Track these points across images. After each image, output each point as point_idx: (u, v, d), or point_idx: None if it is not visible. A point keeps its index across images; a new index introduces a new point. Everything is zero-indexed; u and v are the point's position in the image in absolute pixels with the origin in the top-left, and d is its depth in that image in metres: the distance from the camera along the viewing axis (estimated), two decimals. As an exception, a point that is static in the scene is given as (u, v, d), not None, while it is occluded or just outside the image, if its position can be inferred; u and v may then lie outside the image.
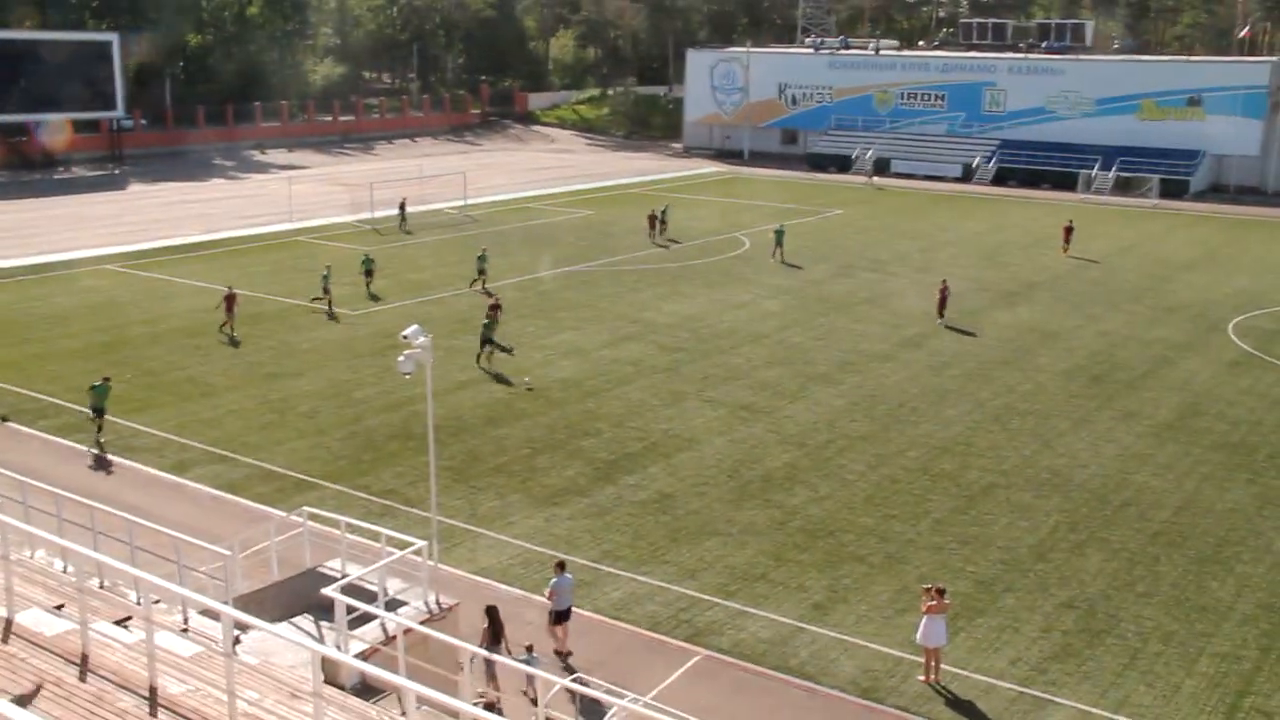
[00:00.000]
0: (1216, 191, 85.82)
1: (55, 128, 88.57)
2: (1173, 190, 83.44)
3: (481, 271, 49.42)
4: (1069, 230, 60.13)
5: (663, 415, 34.09)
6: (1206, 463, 31.06)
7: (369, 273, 48.58)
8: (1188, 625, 22.55)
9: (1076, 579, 24.36)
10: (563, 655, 21.18)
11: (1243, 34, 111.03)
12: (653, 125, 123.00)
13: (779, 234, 57.15)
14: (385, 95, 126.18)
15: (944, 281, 47.15)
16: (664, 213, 63.43)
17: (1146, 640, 21.97)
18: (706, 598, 23.38)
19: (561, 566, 21.50)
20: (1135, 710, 19.76)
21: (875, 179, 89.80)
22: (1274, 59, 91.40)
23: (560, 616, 21.29)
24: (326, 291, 45.21)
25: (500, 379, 37.10)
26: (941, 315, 45.36)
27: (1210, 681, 20.65)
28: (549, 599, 21.29)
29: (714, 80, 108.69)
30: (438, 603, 18.21)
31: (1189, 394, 36.96)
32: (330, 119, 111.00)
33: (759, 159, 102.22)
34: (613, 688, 18.41)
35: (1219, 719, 19.59)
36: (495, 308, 40.78)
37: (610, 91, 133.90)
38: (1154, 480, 29.75)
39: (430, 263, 55.35)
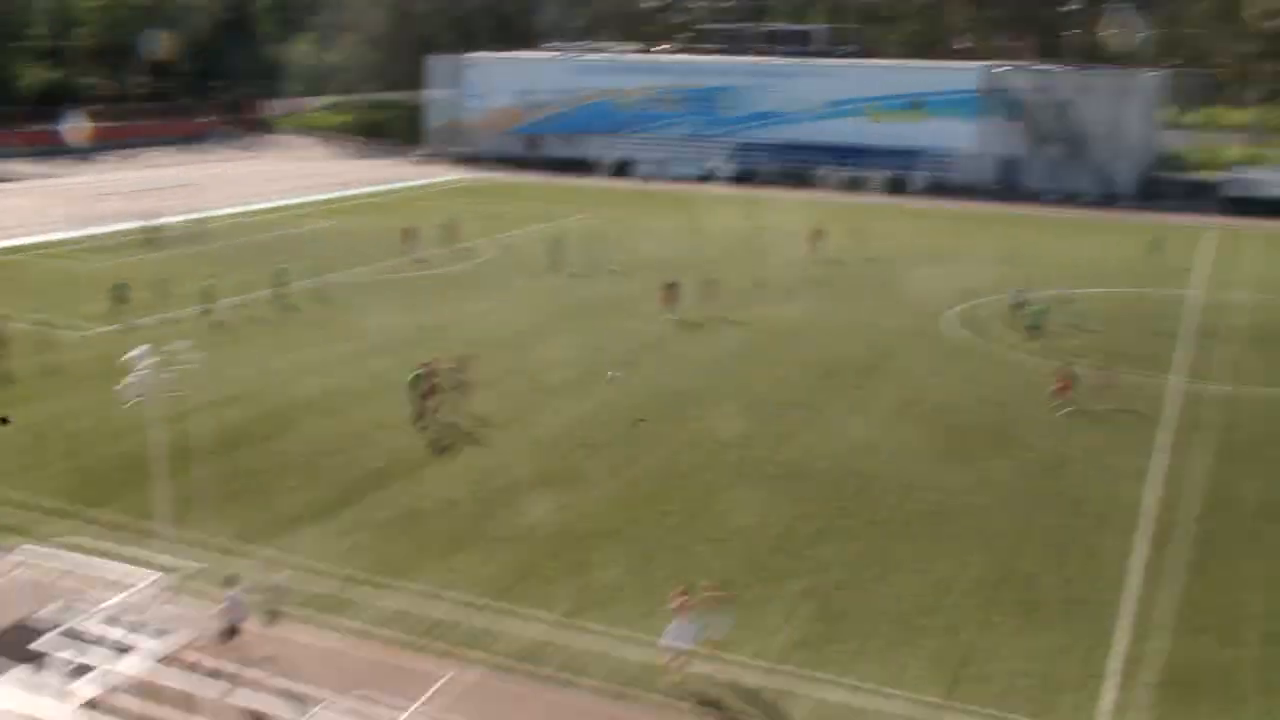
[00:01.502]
0: (936, 188, 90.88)
1: None
2: (897, 187, 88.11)
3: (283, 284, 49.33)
4: (818, 233, 62.17)
5: (408, 430, 33.70)
6: (930, 447, 32.95)
7: (122, 299, 45.83)
8: (915, 604, 23.88)
9: (816, 568, 25.44)
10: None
11: (961, 45, 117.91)
12: (396, 132, 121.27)
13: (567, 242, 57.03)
14: (111, 102, 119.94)
15: (675, 280, 48.51)
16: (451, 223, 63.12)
17: (878, 622, 23.16)
18: (458, 612, 23.30)
19: (230, 582, 21.19)
20: (871, 689, 20.81)
21: (647, 182, 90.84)
22: (983, 64, 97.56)
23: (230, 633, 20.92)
24: None
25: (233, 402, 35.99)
26: (672, 310, 46.66)
27: (935, 656, 21.93)
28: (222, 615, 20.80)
29: (458, 86, 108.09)
30: (173, 641, 17.59)
31: (914, 382, 39.11)
32: (46, 127, 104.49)
33: (504, 164, 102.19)
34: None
35: (942, 690, 20.85)
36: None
37: (351, 98, 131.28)
38: (884, 466, 31.34)
39: (160, 278, 52.90)
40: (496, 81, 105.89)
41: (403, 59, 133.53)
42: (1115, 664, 21.68)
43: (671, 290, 47.70)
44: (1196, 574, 25.32)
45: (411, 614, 23.03)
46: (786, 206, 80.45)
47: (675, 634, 20.88)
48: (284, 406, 35.44)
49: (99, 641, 16.15)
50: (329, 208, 76.70)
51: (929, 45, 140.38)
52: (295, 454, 31.64)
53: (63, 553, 18.19)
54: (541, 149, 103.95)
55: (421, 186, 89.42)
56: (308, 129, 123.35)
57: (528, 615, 23.13)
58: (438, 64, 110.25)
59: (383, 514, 27.89)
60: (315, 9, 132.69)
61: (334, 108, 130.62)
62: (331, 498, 28.74)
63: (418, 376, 33.78)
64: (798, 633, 22.73)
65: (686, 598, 21.04)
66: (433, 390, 33.84)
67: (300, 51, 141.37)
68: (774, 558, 25.98)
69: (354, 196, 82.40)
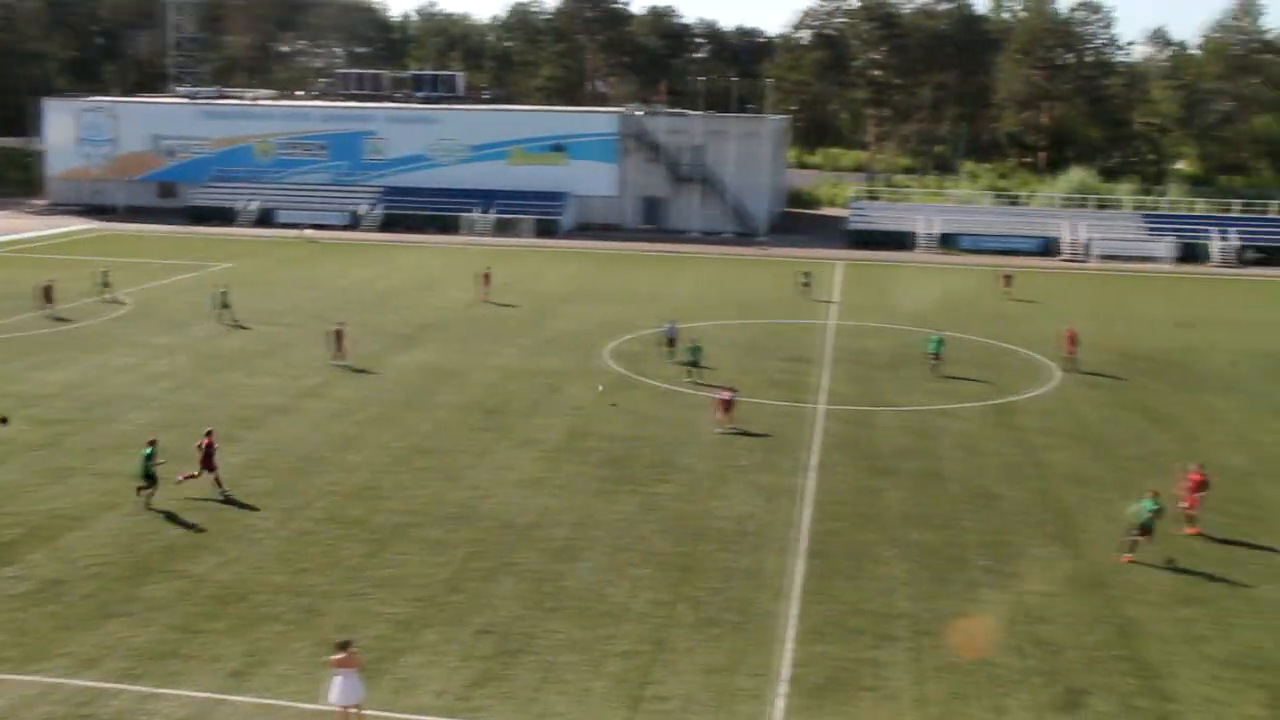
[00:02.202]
0: (583, 230, 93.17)
1: None
2: (546, 229, 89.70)
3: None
4: (486, 276, 62.13)
5: (44, 495, 31.11)
6: (596, 479, 33.52)
7: None
8: (592, 632, 24.13)
9: (490, 605, 25.26)
10: None
11: (600, 91, 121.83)
12: (10, 181, 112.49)
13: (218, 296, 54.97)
14: None
15: (339, 324, 47.38)
16: (105, 274, 59.29)
17: (558, 652, 23.23)
18: (110, 685, 21.58)
19: None
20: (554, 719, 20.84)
21: (309, 233, 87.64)
22: (620, 109, 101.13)
23: None
24: None
25: None
26: (339, 357, 45.56)
27: (616, 680, 22.23)
28: None
29: (79, 131, 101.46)
30: None
31: (575, 417, 39.73)
32: None
33: (135, 214, 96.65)
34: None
35: (625, 712, 21.13)
36: None
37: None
38: (552, 501, 31.60)
39: None
40: (124, 126, 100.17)
41: (14, 102, 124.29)
42: (785, 670, 22.68)
43: (338, 335, 46.42)
44: (850, 580, 26.94)
45: (58, 693, 21.13)
46: (435, 252, 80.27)
47: (337, 690, 19.96)
48: (-107, 480, 31.85)
49: None
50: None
51: (567, 91, 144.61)
52: (-91, 531, 28.46)
53: None
54: (177, 197, 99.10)
55: (45, 238, 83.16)
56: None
57: (196, 675, 21.72)
58: (55, 107, 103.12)
59: (22, 586, 25.51)
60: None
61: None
62: (-44, 576, 26.03)
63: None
64: (477, 670, 22.45)
65: (347, 652, 20.17)
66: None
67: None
68: (451, 597, 25.59)
69: (-36, 251, 75.60)
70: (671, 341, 48.37)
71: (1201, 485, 30.51)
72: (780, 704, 21.53)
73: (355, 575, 26.70)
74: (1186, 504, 30.41)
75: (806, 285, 64.40)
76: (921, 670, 22.85)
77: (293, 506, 30.82)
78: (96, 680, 21.77)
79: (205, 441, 31.64)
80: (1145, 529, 28.14)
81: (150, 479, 30.16)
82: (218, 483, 31.49)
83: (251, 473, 33.36)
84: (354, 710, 20.04)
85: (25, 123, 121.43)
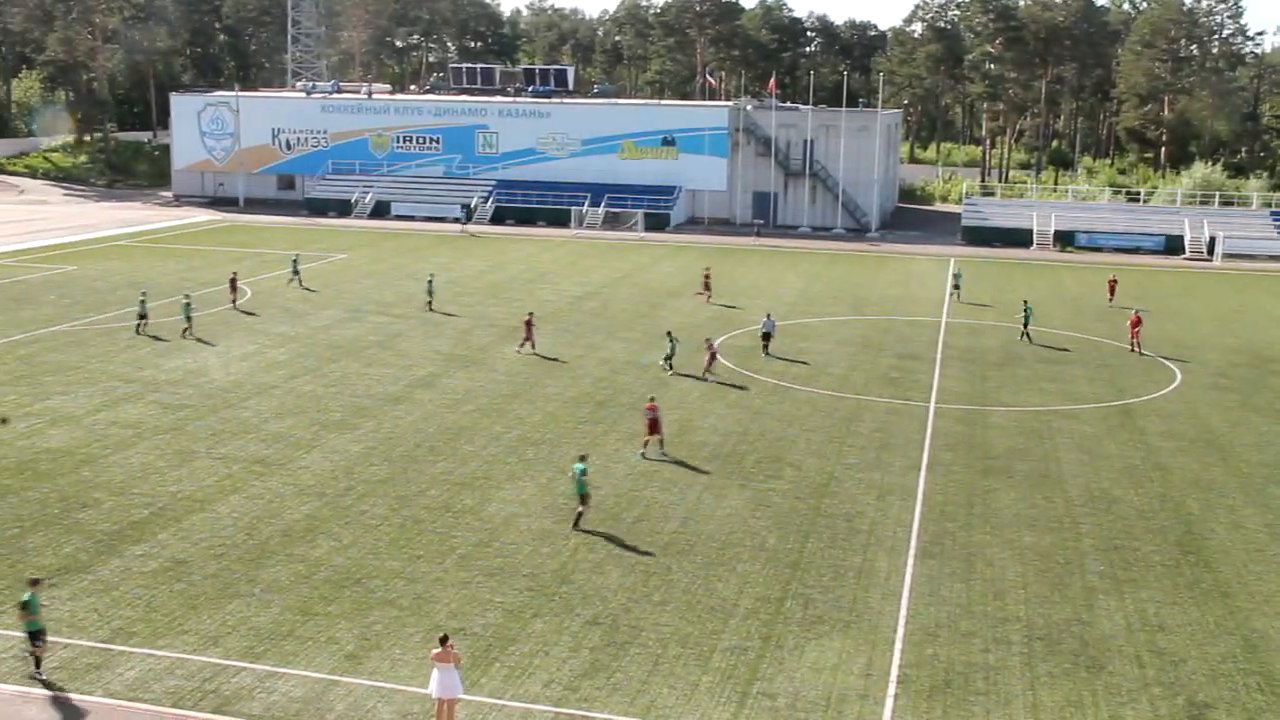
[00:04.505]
0: (693, 224, 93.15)
1: None
2: (656, 223, 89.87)
3: (143, 316, 49.74)
4: (708, 278, 60.87)
5: (170, 478, 32.12)
6: (704, 473, 33.52)
7: None
8: (700, 626, 24.15)
9: (599, 597, 25.43)
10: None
11: (702, 81, 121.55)
12: (138, 173, 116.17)
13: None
14: None
15: (529, 314, 49.08)
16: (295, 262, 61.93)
17: (666, 645, 23.30)
18: (232, 663, 22.22)
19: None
20: (661, 713, 20.87)
21: (469, 226, 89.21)
22: (731, 103, 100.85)
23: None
24: None
25: (-23, 455, 33.47)
26: (527, 345, 47.33)
27: (723, 674, 22.22)
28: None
29: (203, 126, 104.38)
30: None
31: (683, 411, 39.74)
32: None
33: (256, 206, 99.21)
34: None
35: (732, 708, 21.11)
36: None
37: (87, 138, 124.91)
38: (660, 495, 31.67)
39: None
40: (245, 121, 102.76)
41: (143, 97, 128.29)
42: (894, 670, 22.44)
43: (527, 325, 47.79)
44: (962, 581, 26.52)
45: (182, 670, 21.75)
46: (547, 244, 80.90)
47: (435, 683, 20.02)
48: (32, 458, 33.09)
49: None
50: (65, 253, 72.54)
51: (678, 85, 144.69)
52: (48, 506, 29.58)
53: None
54: (295, 190, 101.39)
55: (171, 228, 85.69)
56: (40, 170, 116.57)
57: (313, 655, 22.26)
58: (181, 103, 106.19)
59: (152, 564, 26.37)
60: (40, 46, 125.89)
61: (69, 148, 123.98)
62: (90, 549, 27.01)
63: None
64: (585, 661, 22.61)
65: (445, 647, 20.20)
66: None
67: (26, 89, 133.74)
68: (560, 587, 25.80)
69: (98, 240, 78.21)
70: (768, 337, 48.15)
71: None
72: (890, 705, 21.31)
73: (466, 563, 27.07)
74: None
75: (957, 288, 63.15)
76: (1035, 676, 22.43)
77: (406, 494, 31.35)
78: (219, 657, 22.42)
79: (649, 406, 34.84)
80: None
81: (585, 499, 29.30)
82: (660, 443, 34.80)
83: (367, 460, 33.99)
84: (449, 703, 20.03)
85: (152, 118, 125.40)
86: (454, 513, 30.14)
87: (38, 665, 21.50)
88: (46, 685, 21.21)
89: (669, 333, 46.66)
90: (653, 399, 35.93)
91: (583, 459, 29.91)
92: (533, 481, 32.51)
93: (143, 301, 50.70)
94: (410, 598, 25.19)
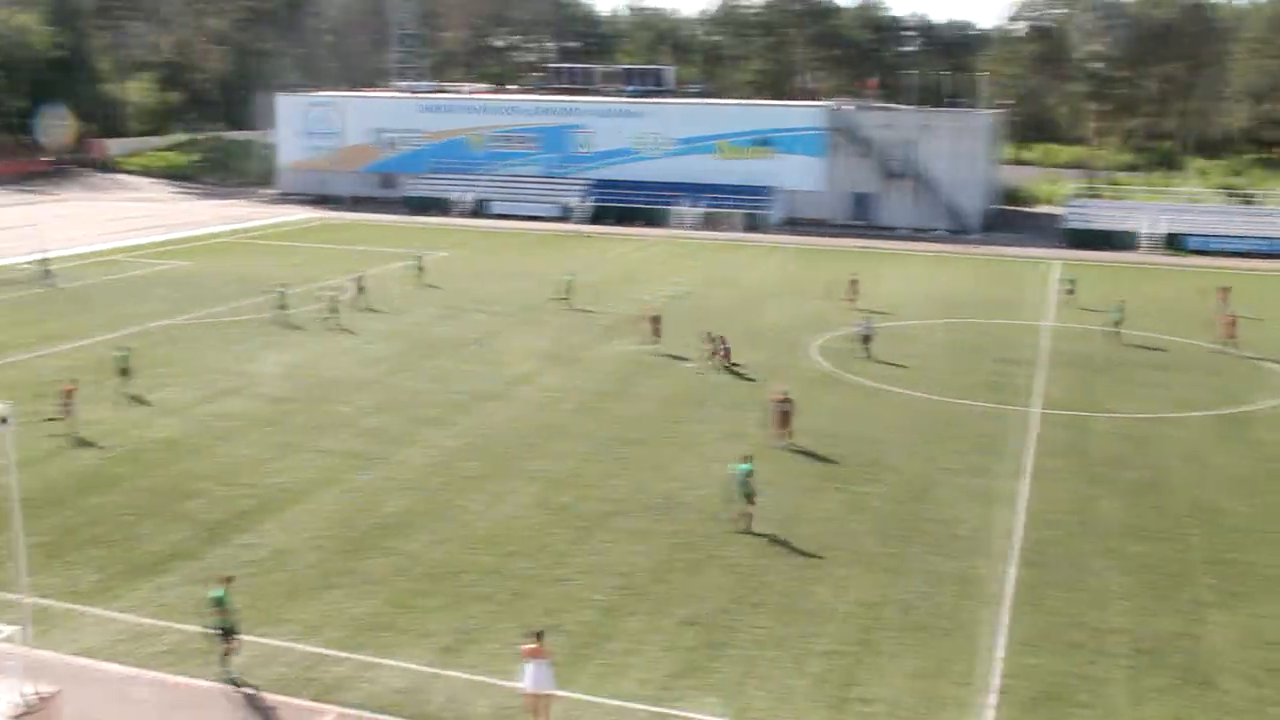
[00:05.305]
0: (791, 224, 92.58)
1: None
2: (753, 224, 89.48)
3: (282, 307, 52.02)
4: (854, 283, 59.46)
5: (272, 469, 32.74)
6: (801, 475, 33.24)
7: None
8: (796, 629, 23.96)
9: (694, 597, 25.35)
10: None
11: (807, 85, 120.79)
12: (245, 171, 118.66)
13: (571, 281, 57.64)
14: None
15: (654, 310, 49.91)
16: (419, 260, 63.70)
17: (761, 647, 23.15)
18: (332, 653, 22.57)
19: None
20: (755, 716, 20.75)
21: (584, 227, 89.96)
22: (829, 104, 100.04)
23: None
24: None
25: (87, 443, 34.43)
26: (653, 340, 47.96)
27: (819, 679, 22.01)
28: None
29: (307, 125, 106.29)
30: (35, 693, 16.55)
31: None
32: None
33: (358, 204, 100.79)
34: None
35: (828, 713, 20.89)
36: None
37: (197, 137, 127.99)
38: (757, 496, 31.45)
39: (4, 323, 50.71)
40: (347, 120, 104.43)
41: (250, 98, 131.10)
42: (994, 680, 22.03)
43: (654, 321, 48.24)
44: (1065, 591, 25.98)
45: (284, 659, 22.14)
46: (643, 244, 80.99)
47: (529, 678, 20.07)
48: (142, 448, 33.97)
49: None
50: (176, 248, 74.38)
51: (774, 85, 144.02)
52: (158, 495, 30.33)
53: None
54: (395, 188, 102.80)
55: (276, 225, 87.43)
56: (153, 168, 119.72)
57: (410, 647, 22.51)
58: (286, 102, 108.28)
59: (256, 554, 26.90)
60: (155, 49, 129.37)
61: (178, 147, 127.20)
62: (198, 538, 27.64)
63: None
64: (680, 661, 22.55)
65: (539, 643, 20.23)
66: None
67: (141, 90, 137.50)
68: (656, 586, 25.78)
69: (206, 236, 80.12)
70: (866, 339, 47.62)
71: None
72: (989, 715, 20.94)
73: (561, 560, 27.16)
74: None
75: (1070, 293, 61.79)
76: (1140, 690, 21.85)
77: (501, 491, 31.57)
78: (320, 646, 22.79)
79: (779, 397, 35.77)
80: None
81: (750, 498, 29.13)
82: (789, 434, 35.41)
83: (463, 456, 34.30)
84: (544, 698, 20.07)
85: (259, 117, 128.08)
86: (549, 510, 30.28)
87: (226, 661, 21.64)
88: (234, 684, 21.31)
89: (708, 333, 46.42)
90: (785, 391, 35.95)
91: (747, 459, 29.70)
92: (628, 480, 32.52)
93: (282, 294, 52.85)
94: (506, 593, 25.36)
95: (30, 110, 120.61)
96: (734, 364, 44.99)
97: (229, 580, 22.34)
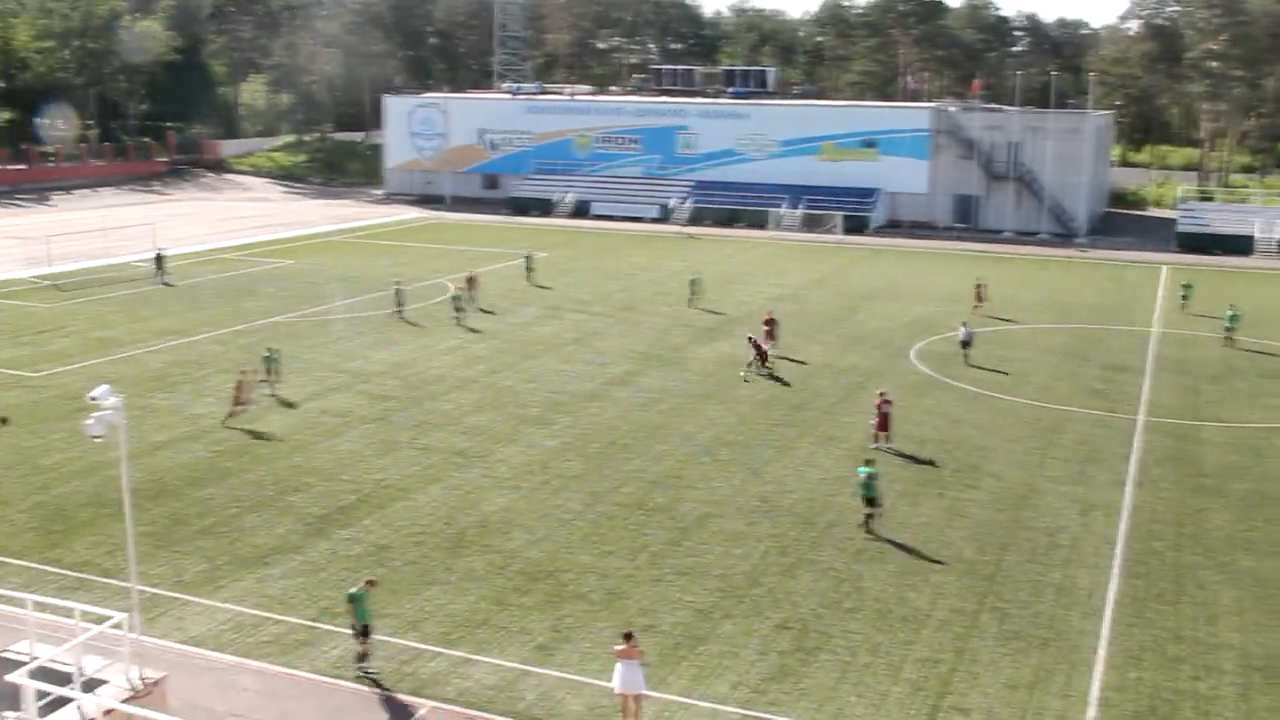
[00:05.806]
0: (893, 226, 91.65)
1: None
2: (855, 226, 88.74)
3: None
4: (980, 289, 58.28)
5: (375, 466, 33.37)
6: (900, 480, 32.93)
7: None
8: (891, 635, 23.77)
9: (789, 600, 25.29)
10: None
11: (911, 86, 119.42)
12: (352, 172, 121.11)
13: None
14: (62, 142, 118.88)
15: (770, 313, 50.08)
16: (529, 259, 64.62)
17: (856, 653, 23.01)
18: (429, 648, 22.96)
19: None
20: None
21: (689, 228, 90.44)
22: (934, 105, 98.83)
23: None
24: None
25: (197, 437, 35.45)
26: (774, 346, 47.05)
27: (914, 686, 21.82)
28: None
29: (413, 126, 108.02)
30: (141, 679, 17.12)
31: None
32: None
33: (461, 204, 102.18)
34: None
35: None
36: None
37: (306, 138, 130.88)
38: (854, 500, 31.15)
39: (121, 319, 52.41)
40: (453, 121, 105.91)
41: (357, 99, 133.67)
42: (1095, 693, 21.63)
43: (770, 324, 47.94)
44: (1170, 604, 25.40)
45: (383, 652, 22.54)
46: (744, 246, 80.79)
47: (619, 678, 20.25)
48: (249, 443, 34.91)
49: (69, 677, 15.71)
50: (284, 247, 76.13)
51: (879, 86, 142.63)
52: (264, 488, 31.13)
53: (24, 594, 17.79)
54: (499, 189, 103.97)
55: (384, 225, 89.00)
56: (264, 169, 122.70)
57: (506, 645, 22.81)
58: (393, 104, 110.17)
59: (357, 548, 27.48)
60: (267, 52, 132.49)
61: (290, 148, 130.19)
62: (301, 531, 28.30)
63: None
64: (774, 665, 22.51)
65: (630, 643, 20.34)
66: None
67: (253, 92, 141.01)
68: (751, 590, 25.76)
69: (313, 235, 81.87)
70: (966, 344, 46.94)
71: None
72: None
73: (657, 561, 27.27)
74: None
75: (1185, 299, 60.35)
76: (1251, 710, 21.27)
77: (600, 490, 31.78)
78: (417, 642, 23.19)
79: (880, 402, 35.83)
80: None
81: (872, 501, 29.25)
82: (888, 438, 35.55)
83: (562, 455, 34.60)
84: (635, 698, 20.19)
85: (366, 118, 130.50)
86: (646, 510, 30.42)
87: (363, 660, 22.01)
88: (375, 683, 21.63)
89: (749, 337, 46.08)
90: (883, 393, 35.82)
91: (869, 463, 29.74)
92: (725, 482, 32.53)
93: (399, 291, 54.32)
94: (602, 593, 25.54)
95: (150, 113, 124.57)
96: (772, 371, 44.48)
97: (372, 584, 22.72)
